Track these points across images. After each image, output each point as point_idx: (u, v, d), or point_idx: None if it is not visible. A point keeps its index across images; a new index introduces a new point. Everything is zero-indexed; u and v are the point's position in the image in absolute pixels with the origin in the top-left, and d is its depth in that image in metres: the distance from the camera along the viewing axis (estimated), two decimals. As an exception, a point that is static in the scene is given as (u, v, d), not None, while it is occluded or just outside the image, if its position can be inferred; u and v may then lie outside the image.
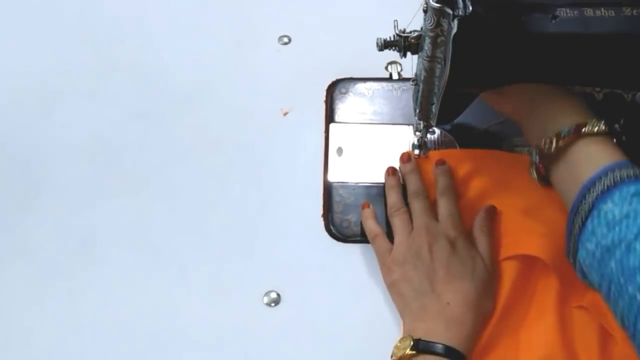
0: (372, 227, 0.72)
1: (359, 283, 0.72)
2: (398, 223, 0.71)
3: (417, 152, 0.76)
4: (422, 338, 0.62)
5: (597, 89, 0.81)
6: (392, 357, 0.63)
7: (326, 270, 0.72)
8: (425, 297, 0.66)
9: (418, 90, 0.67)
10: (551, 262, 0.66)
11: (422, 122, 0.73)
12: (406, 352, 0.62)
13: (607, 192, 0.55)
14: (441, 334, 0.63)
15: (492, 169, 0.75)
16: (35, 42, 0.90)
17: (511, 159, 0.76)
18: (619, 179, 0.55)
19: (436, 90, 0.64)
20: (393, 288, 0.68)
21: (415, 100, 0.69)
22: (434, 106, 0.66)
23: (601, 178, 0.56)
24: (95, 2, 0.93)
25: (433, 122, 0.69)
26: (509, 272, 0.68)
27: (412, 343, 0.62)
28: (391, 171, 0.76)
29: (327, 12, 0.91)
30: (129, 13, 0.91)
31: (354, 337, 0.69)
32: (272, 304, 0.71)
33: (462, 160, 0.75)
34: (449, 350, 0.61)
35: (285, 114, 0.82)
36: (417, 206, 0.72)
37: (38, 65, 0.87)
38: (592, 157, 0.59)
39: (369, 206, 0.74)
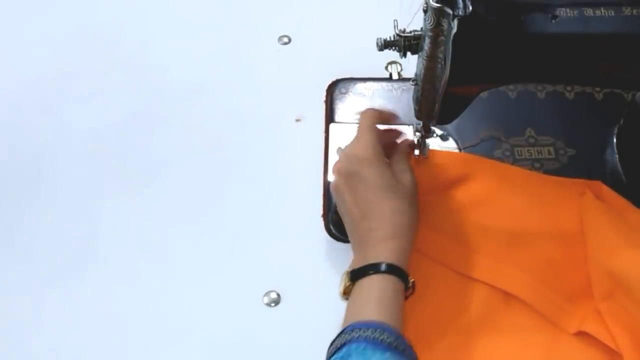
0: (368, 112, 0.72)
1: (359, 283, 0.72)
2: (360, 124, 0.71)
3: (417, 152, 0.76)
4: (355, 267, 0.63)
5: (597, 89, 0.81)
6: (340, 296, 0.64)
7: (326, 270, 0.72)
8: (355, 232, 0.66)
9: (418, 90, 0.67)
10: (532, 301, 0.66)
11: (422, 122, 0.73)
12: (345, 285, 0.63)
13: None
14: (372, 258, 0.63)
15: (488, 180, 0.74)
16: (35, 42, 0.90)
17: (511, 175, 0.75)
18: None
19: (436, 90, 0.64)
20: (336, 194, 0.69)
21: (415, 100, 0.69)
22: (434, 106, 0.66)
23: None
24: (96, 2, 0.93)
25: (433, 122, 0.69)
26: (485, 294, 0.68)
27: (350, 276, 0.63)
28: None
29: (327, 12, 0.91)
30: (130, 13, 0.91)
31: (354, 337, 0.69)
32: (272, 304, 0.71)
33: (460, 164, 0.75)
34: (377, 266, 0.62)
35: (298, 120, 0.82)
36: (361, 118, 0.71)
37: (38, 65, 0.87)
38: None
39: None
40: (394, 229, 0.64)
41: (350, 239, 0.68)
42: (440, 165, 0.75)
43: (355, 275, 0.63)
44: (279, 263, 0.73)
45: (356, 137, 0.70)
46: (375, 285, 0.62)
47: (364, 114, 0.72)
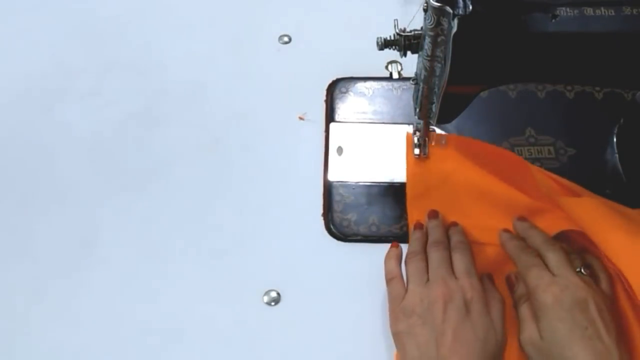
0: (391, 268, 0.68)
1: (359, 282, 0.72)
2: (412, 270, 0.67)
3: (417, 151, 0.76)
4: None
5: (597, 88, 0.81)
6: None
7: (326, 270, 0.72)
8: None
9: (418, 90, 0.67)
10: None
11: (422, 121, 0.73)
12: None
13: None
14: None
15: (502, 172, 0.73)
16: (35, 42, 0.90)
17: (526, 172, 0.73)
18: None
19: (436, 89, 0.64)
20: (397, 339, 0.64)
21: (416, 100, 0.69)
22: (434, 105, 0.66)
23: None
24: (96, 1, 0.93)
25: (433, 122, 0.69)
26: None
27: None
28: (419, 225, 0.72)
29: (327, 11, 0.91)
30: (129, 13, 0.91)
31: (353, 336, 0.69)
32: (272, 303, 0.71)
33: (477, 154, 0.74)
34: None
35: (301, 118, 0.82)
36: (436, 256, 0.67)
37: (38, 65, 0.87)
38: None
39: (398, 246, 0.70)
40: None
41: (414, 358, 0.62)
42: (440, 162, 0.75)
43: None
44: (279, 262, 0.73)
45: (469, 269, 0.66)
46: None
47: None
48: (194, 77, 0.86)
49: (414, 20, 0.63)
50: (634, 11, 0.56)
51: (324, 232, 0.75)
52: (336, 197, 0.77)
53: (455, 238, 0.70)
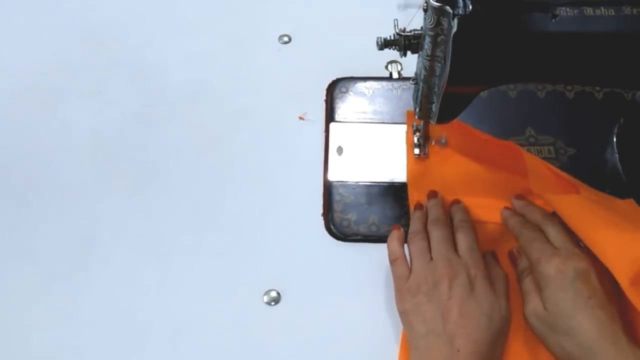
0: (395, 249, 0.69)
1: (359, 282, 0.72)
2: (416, 248, 0.68)
3: (417, 151, 0.76)
4: None
5: (597, 88, 0.81)
6: None
7: (326, 269, 0.72)
8: (435, 337, 0.62)
9: (418, 90, 0.67)
10: None
11: (422, 121, 0.73)
12: None
13: None
14: None
15: (499, 162, 0.74)
16: (35, 41, 0.90)
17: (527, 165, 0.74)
18: None
19: (436, 89, 0.64)
20: (404, 317, 0.65)
21: (415, 100, 0.69)
22: (434, 105, 0.66)
23: None
24: (96, 1, 0.93)
25: (433, 121, 0.69)
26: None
27: None
28: (419, 205, 0.73)
29: (327, 11, 0.91)
30: (129, 12, 0.91)
31: (353, 336, 0.69)
32: (272, 303, 0.71)
33: (474, 146, 0.75)
34: None
35: (301, 118, 0.82)
36: (437, 234, 0.68)
37: (38, 64, 0.87)
38: None
39: (399, 229, 0.71)
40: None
41: (422, 335, 0.63)
42: (441, 162, 0.76)
43: None
44: (279, 262, 0.73)
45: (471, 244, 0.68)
46: None
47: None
48: (194, 77, 0.86)
49: (414, 20, 0.63)
50: (634, 11, 0.56)
51: (324, 232, 0.75)
52: (336, 197, 0.77)
53: (457, 217, 0.71)
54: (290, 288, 0.72)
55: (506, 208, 0.72)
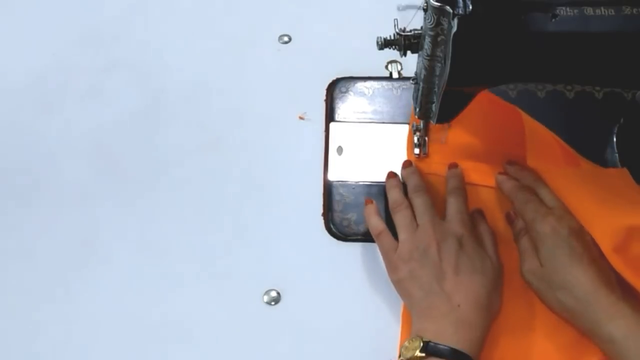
0: (376, 223, 0.71)
1: (359, 282, 0.72)
2: (401, 218, 0.70)
3: (417, 151, 0.76)
4: (431, 340, 0.61)
5: (597, 88, 0.81)
6: (400, 357, 0.62)
7: (326, 269, 0.72)
8: (435, 297, 0.64)
9: (418, 89, 0.67)
10: None
11: (422, 121, 0.73)
12: (415, 354, 0.61)
13: None
14: (450, 336, 0.61)
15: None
16: (35, 41, 0.90)
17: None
18: None
19: (436, 89, 0.64)
20: (400, 286, 0.67)
21: (415, 99, 0.69)
22: (433, 105, 0.66)
23: None
24: (96, 1, 0.93)
25: (433, 121, 0.69)
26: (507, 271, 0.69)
27: (421, 344, 0.61)
28: (392, 174, 0.75)
29: (327, 11, 0.91)
30: (129, 12, 0.91)
31: (353, 336, 0.69)
32: (272, 303, 0.71)
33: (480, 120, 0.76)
34: (458, 355, 0.60)
35: (301, 118, 0.82)
36: (419, 202, 0.70)
37: (38, 64, 0.87)
38: None
39: (372, 202, 0.73)
40: (478, 318, 0.63)
41: (421, 298, 0.65)
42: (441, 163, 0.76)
43: (431, 349, 0.61)
44: (279, 262, 0.73)
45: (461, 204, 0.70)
46: None
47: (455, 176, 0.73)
48: (194, 77, 0.86)
49: (414, 20, 0.63)
50: (634, 11, 0.56)
51: (324, 231, 0.75)
52: (336, 197, 0.77)
53: (452, 183, 0.73)
54: (290, 288, 0.72)
55: (500, 173, 0.73)
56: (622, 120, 0.78)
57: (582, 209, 0.66)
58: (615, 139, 0.78)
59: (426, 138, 0.76)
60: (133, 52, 0.88)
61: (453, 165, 0.74)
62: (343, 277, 0.72)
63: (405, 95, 0.83)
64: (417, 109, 0.69)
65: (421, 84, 0.65)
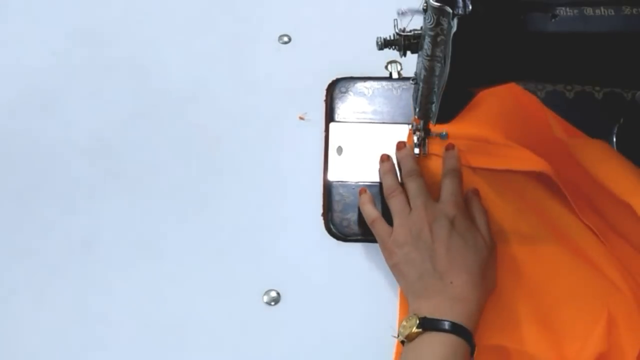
0: (370, 211, 0.72)
1: (358, 282, 0.72)
2: (395, 204, 0.71)
3: (416, 150, 0.76)
4: (428, 316, 0.62)
5: (597, 88, 0.81)
6: (398, 336, 0.63)
7: (326, 269, 0.72)
8: (428, 277, 0.65)
9: (418, 89, 0.67)
10: None
11: (421, 121, 0.73)
12: (413, 330, 0.62)
13: None
14: (447, 312, 0.63)
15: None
16: (36, 41, 0.89)
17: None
18: None
19: (436, 89, 0.64)
20: (396, 270, 0.68)
21: (415, 99, 0.69)
22: (433, 105, 0.66)
23: None
24: (96, 1, 0.93)
25: (433, 121, 0.69)
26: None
27: (418, 321, 0.62)
28: (385, 157, 0.76)
29: (326, 11, 0.91)
30: (129, 12, 0.91)
31: (353, 336, 0.69)
32: (272, 303, 0.71)
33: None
34: (455, 327, 0.61)
35: (302, 118, 0.82)
36: (412, 186, 0.71)
37: (38, 65, 0.87)
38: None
39: (366, 191, 0.74)
40: (472, 293, 0.64)
41: (415, 279, 0.66)
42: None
43: (428, 324, 0.62)
44: (279, 262, 0.73)
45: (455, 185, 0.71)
46: (447, 343, 0.61)
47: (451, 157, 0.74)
48: (194, 77, 0.86)
49: (414, 20, 0.63)
50: (634, 11, 0.56)
51: (324, 232, 0.75)
52: (336, 197, 0.77)
53: (448, 165, 0.73)
54: (290, 288, 0.72)
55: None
56: (622, 120, 0.78)
57: (619, 180, 0.68)
58: (615, 139, 0.78)
59: (426, 140, 0.76)
60: (133, 53, 0.88)
61: (450, 147, 0.75)
62: (343, 277, 0.72)
63: (405, 95, 0.83)
64: (417, 109, 0.69)
65: (421, 84, 0.65)
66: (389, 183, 0.73)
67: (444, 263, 0.65)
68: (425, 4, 0.57)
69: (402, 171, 0.74)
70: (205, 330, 0.70)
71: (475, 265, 0.65)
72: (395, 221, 0.70)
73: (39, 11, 0.92)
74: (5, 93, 0.85)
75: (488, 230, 0.70)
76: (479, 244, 0.67)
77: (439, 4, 0.55)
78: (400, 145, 0.76)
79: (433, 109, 0.67)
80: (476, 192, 0.73)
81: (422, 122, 0.73)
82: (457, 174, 0.72)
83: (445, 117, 0.68)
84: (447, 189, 0.71)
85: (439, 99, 0.64)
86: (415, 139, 0.76)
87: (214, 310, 0.71)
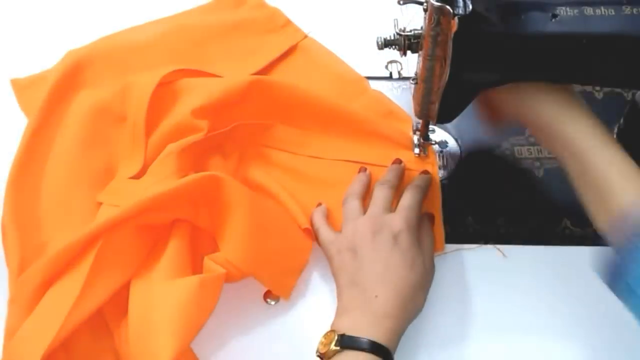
0: (316, 219, 0.71)
1: (358, 282, 0.72)
2: (346, 209, 0.70)
3: (417, 151, 0.76)
4: (347, 333, 0.60)
5: (597, 88, 0.81)
6: (316, 352, 0.61)
7: (326, 269, 0.72)
8: (355, 286, 0.64)
9: (418, 89, 0.67)
10: None
11: (421, 121, 0.73)
12: (330, 348, 0.59)
13: None
14: (366, 328, 0.60)
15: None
16: (35, 41, 0.90)
17: None
18: None
19: (436, 89, 0.64)
20: (334, 275, 0.67)
21: (415, 99, 0.69)
22: (434, 105, 0.66)
23: None
24: (96, 1, 0.93)
25: (433, 121, 0.69)
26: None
27: (336, 338, 0.60)
28: (362, 169, 0.75)
29: (327, 12, 0.91)
30: (130, 13, 0.91)
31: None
32: (272, 303, 0.71)
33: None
34: (373, 345, 0.59)
35: None
36: (378, 194, 0.70)
37: (38, 65, 0.87)
38: None
39: (321, 204, 0.73)
40: (397, 310, 0.62)
41: (344, 288, 0.65)
42: None
43: (346, 342, 0.59)
44: (279, 262, 0.73)
45: (415, 196, 0.70)
46: None
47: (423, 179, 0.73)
48: (194, 77, 0.86)
49: (414, 20, 0.63)
50: (634, 11, 0.57)
51: (324, 231, 0.75)
52: (336, 197, 0.77)
53: (418, 180, 0.73)
54: (290, 288, 0.72)
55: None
56: (622, 120, 0.78)
57: None
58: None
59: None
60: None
61: (425, 172, 0.74)
62: (343, 277, 0.72)
63: (405, 95, 0.83)
64: (417, 109, 0.69)
65: (421, 83, 0.65)
66: (351, 189, 0.72)
67: (373, 276, 0.63)
68: (425, 4, 0.57)
69: (380, 179, 0.73)
70: (205, 329, 0.70)
71: (407, 285, 0.63)
72: (342, 225, 0.69)
73: (39, 11, 0.92)
74: (6, 93, 0.85)
75: (432, 255, 0.68)
76: (417, 264, 0.65)
77: (439, 4, 0.56)
78: (396, 161, 0.75)
79: (433, 108, 0.67)
80: (432, 217, 0.71)
81: (421, 122, 0.74)
82: (420, 190, 0.71)
83: (445, 117, 0.69)
84: (404, 202, 0.69)
85: (439, 99, 0.64)
86: (415, 139, 0.76)
87: (213, 310, 0.70)
